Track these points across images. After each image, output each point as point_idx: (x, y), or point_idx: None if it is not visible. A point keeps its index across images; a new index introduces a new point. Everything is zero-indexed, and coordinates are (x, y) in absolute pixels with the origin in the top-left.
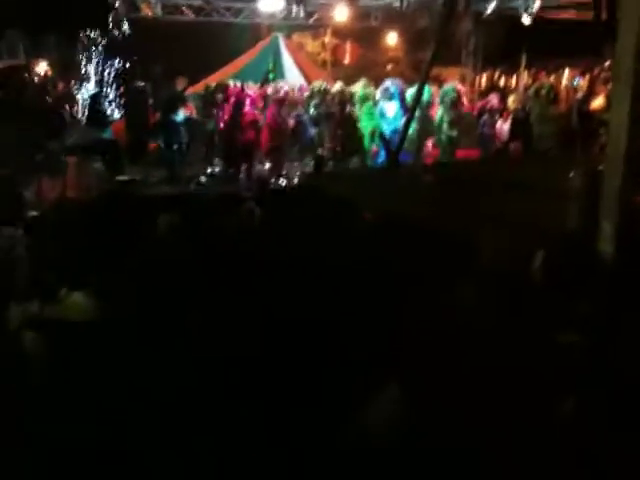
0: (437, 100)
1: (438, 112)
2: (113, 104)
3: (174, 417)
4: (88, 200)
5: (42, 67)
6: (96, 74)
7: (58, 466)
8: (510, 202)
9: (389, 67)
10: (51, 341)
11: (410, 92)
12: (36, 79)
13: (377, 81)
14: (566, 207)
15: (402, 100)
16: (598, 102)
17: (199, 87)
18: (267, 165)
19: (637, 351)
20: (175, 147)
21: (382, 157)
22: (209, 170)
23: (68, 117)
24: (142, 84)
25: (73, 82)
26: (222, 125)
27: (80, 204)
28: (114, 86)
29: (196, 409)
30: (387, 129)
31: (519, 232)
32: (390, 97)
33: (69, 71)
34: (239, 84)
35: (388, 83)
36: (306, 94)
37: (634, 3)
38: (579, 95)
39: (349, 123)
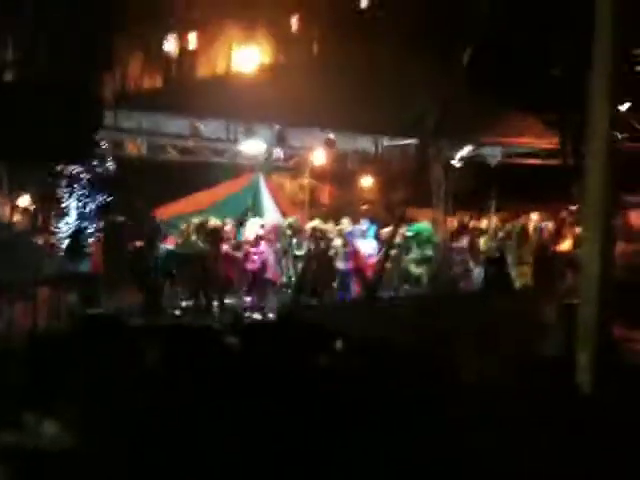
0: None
1: (410, 250)
2: (91, 237)
3: None
4: (59, 331)
5: (24, 200)
6: (77, 208)
7: None
8: (489, 331)
9: (364, 207)
10: (21, 470)
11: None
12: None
13: (353, 221)
14: (540, 334)
15: (377, 239)
16: (567, 244)
17: (173, 210)
18: (246, 298)
19: None
20: (154, 279)
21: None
22: (184, 303)
23: (45, 249)
24: (120, 218)
25: (53, 215)
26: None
27: (51, 335)
28: (94, 220)
29: None
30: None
31: (499, 360)
32: (365, 236)
33: (50, 204)
34: (218, 221)
35: (363, 223)
36: (287, 231)
37: (600, 149)
38: (548, 238)
39: (325, 259)
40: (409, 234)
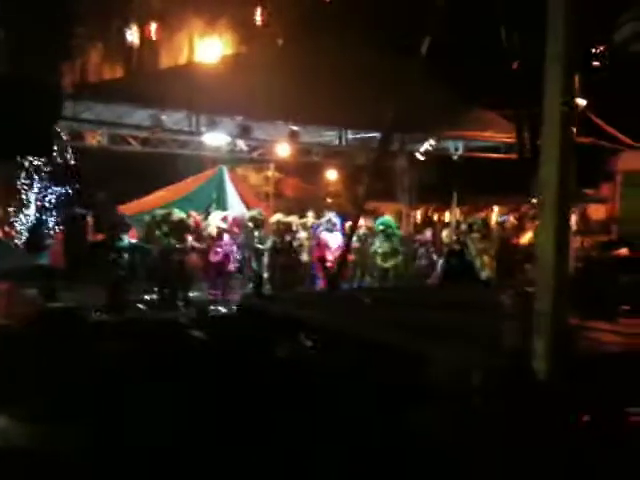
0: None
1: (375, 243)
2: (52, 230)
3: None
4: (19, 327)
5: None
6: (36, 200)
7: None
8: (449, 320)
9: (329, 200)
10: None
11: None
12: None
13: (318, 213)
14: (497, 323)
15: (342, 231)
16: (527, 237)
17: (138, 207)
18: (209, 291)
19: None
20: (117, 273)
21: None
22: (147, 297)
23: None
24: (82, 210)
25: (12, 208)
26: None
27: (10, 331)
28: (54, 212)
29: None
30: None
31: (459, 347)
32: (332, 229)
33: (8, 197)
34: (183, 214)
35: (330, 215)
36: (249, 224)
37: (553, 143)
38: (508, 230)
39: (288, 252)
40: (377, 227)
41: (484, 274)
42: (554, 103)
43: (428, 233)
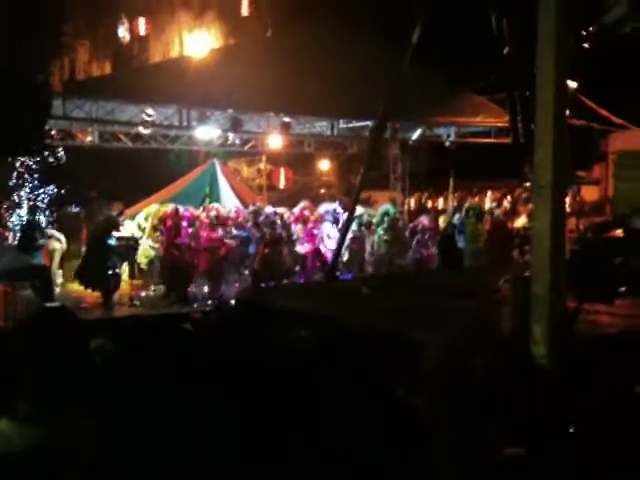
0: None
1: (377, 232)
2: (45, 229)
3: None
4: (13, 326)
5: None
6: (29, 200)
7: None
8: (445, 305)
9: (322, 191)
10: None
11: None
12: None
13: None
14: (496, 309)
15: (337, 222)
16: (521, 221)
17: (135, 210)
18: (204, 286)
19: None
20: (108, 270)
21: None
22: (143, 293)
23: None
24: (75, 209)
25: (4, 208)
26: (162, 248)
27: (5, 330)
28: (47, 211)
29: None
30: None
31: (456, 333)
32: (328, 219)
33: (1, 197)
34: (179, 207)
35: (327, 206)
36: (248, 213)
37: (547, 127)
38: (502, 215)
39: (279, 244)
40: (377, 216)
41: (476, 259)
42: (547, 87)
43: (425, 220)
